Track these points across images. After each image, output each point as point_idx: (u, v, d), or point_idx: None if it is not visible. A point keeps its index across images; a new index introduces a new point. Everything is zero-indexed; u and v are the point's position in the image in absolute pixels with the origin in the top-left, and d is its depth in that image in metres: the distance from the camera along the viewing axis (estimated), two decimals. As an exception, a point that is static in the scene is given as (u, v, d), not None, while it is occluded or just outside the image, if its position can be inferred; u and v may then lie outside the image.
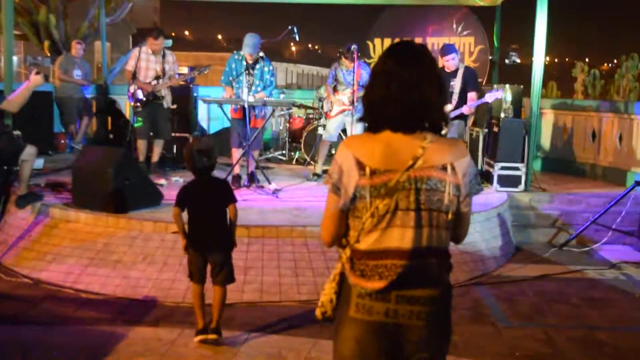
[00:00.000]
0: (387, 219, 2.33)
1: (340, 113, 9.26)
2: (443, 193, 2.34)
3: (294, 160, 11.19)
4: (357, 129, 8.89)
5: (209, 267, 4.68)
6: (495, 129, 9.08)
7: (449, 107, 8.60)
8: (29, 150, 6.89)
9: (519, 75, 15.81)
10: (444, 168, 2.35)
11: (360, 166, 2.33)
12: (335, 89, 9.29)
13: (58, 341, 4.72)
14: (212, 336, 4.66)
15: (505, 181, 8.81)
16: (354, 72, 8.89)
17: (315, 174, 9.44)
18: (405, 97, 2.33)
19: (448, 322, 2.49)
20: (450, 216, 2.39)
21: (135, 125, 8.96)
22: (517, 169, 8.82)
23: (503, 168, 8.82)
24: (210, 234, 4.54)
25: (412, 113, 2.35)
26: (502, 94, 8.88)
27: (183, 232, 4.58)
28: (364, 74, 9.01)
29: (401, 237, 2.32)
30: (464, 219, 2.50)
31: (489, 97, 8.68)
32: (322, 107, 10.08)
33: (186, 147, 4.65)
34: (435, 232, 2.36)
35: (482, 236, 7.07)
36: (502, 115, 9.05)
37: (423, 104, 2.35)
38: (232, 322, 5.15)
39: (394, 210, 2.32)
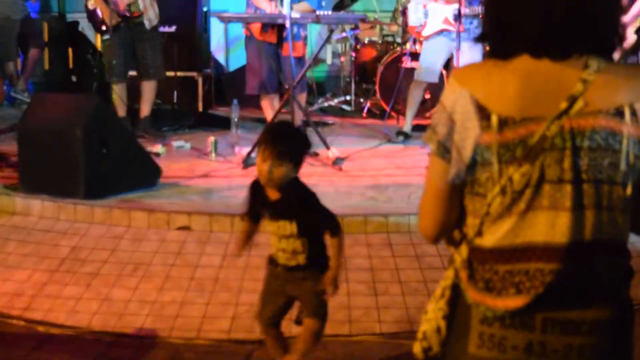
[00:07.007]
0: (527, 196, 1.77)
1: (440, 33, 7.07)
2: (618, 153, 1.75)
3: (365, 110, 9.02)
4: (475, 55, 6.64)
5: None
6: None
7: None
8: None
9: None
10: (619, 113, 1.74)
11: (483, 113, 1.76)
12: None
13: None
14: None
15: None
16: None
17: (401, 133, 7.30)
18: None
19: None
20: (629, 191, 1.79)
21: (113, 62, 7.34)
22: None
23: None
24: None
25: (566, 26, 1.74)
26: None
27: None
28: None
29: (550, 225, 1.76)
30: None
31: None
32: (405, 23, 7.82)
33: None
34: (606, 216, 1.76)
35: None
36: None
37: (583, 11, 1.73)
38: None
39: (538, 183, 1.76)
